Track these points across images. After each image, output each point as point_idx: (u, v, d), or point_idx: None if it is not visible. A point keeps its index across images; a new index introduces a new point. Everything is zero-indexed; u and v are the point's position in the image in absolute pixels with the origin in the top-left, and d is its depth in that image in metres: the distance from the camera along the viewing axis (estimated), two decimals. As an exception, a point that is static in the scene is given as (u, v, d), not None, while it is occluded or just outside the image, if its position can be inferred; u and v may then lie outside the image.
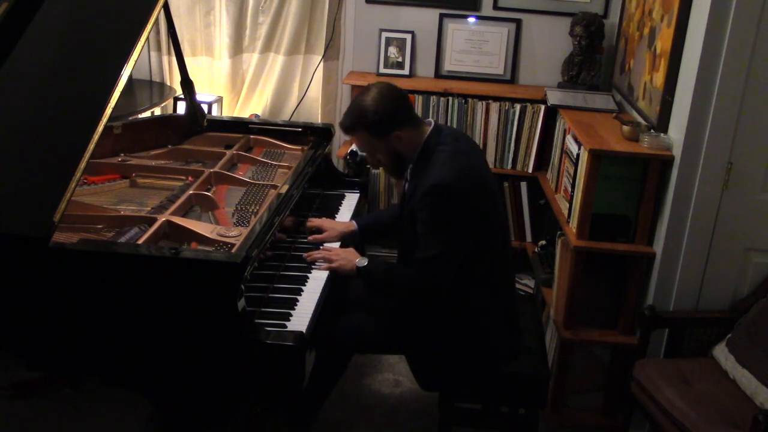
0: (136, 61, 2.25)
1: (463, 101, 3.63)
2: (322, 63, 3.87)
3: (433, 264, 2.23)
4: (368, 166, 3.63)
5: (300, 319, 2.11)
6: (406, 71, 3.85)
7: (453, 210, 2.22)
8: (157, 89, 3.83)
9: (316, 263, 2.41)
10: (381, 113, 2.27)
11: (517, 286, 3.60)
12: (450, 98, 3.63)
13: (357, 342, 2.45)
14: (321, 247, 2.52)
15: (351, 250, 2.49)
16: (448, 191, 2.21)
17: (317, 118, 3.93)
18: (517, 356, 2.40)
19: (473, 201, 2.26)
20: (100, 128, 2.06)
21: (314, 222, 2.65)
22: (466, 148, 2.36)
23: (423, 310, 2.36)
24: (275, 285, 2.27)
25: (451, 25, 3.82)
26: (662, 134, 2.74)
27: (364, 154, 2.43)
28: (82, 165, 1.99)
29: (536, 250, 3.48)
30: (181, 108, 3.56)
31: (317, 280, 2.33)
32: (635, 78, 3.19)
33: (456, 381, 2.40)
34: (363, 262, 2.37)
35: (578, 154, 2.86)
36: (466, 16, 3.81)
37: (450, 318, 2.34)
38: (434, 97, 3.66)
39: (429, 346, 2.37)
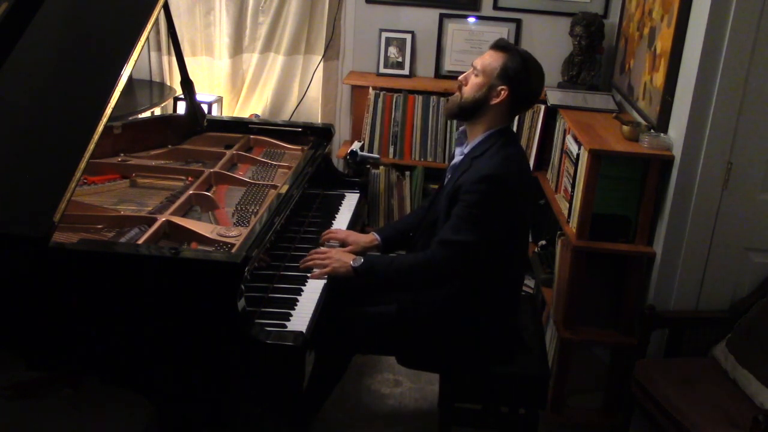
0: (136, 61, 2.25)
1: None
2: (322, 63, 3.87)
3: (461, 249, 2.23)
4: (368, 165, 3.64)
5: (300, 319, 2.11)
6: (406, 71, 3.85)
7: (499, 204, 2.24)
8: (157, 89, 3.83)
9: (311, 271, 2.36)
10: (522, 72, 2.27)
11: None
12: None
13: (357, 342, 2.45)
14: (313, 251, 2.46)
15: (341, 250, 2.47)
16: (502, 185, 2.23)
17: (317, 118, 3.93)
18: (513, 356, 2.41)
19: (519, 201, 2.30)
20: (100, 128, 2.06)
21: (337, 236, 2.60)
22: (524, 155, 2.44)
23: (428, 296, 2.36)
24: (275, 285, 2.27)
25: (451, 25, 3.82)
26: (662, 134, 2.74)
27: (478, 68, 2.32)
28: (82, 165, 1.99)
29: (536, 250, 3.48)
30: (181, 108, 3.56)
31: (317, 280, 2.33)
32: (635, 78, 3.19)
33: (438, 364, 2.41)
34: (359, 261, 2.35)
35: (578, 154, 2.86)
36: (466, 16, 3.81)
37: (453, 304, 2.34)
38: (434, 97, 3.66)
39: (423, 327, 2.37)
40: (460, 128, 2.46)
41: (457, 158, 2.41)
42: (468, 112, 2.33)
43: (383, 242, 2.62)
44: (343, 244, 2.57)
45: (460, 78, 2.37)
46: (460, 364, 2.38)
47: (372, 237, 2.62)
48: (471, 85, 2.31)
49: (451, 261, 2.25)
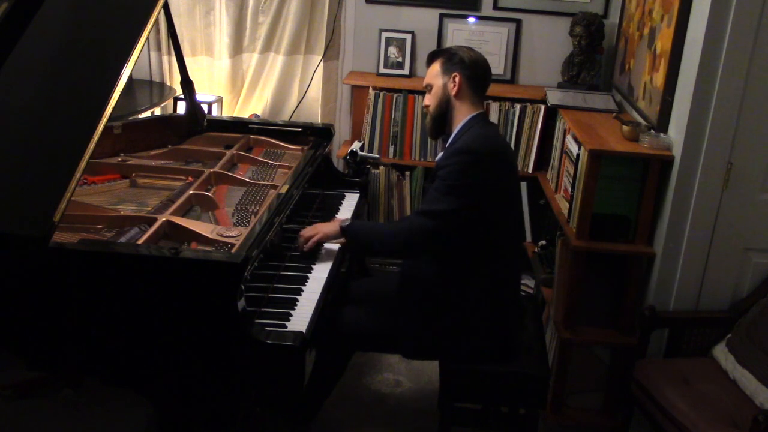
0: (136, 61, 2.25)
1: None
2: (322, 63, 3.87)
3: (435, 217, 2.27)
4: (368, 165, 3.63)
5: (300, 319, 2.11)
6: (406, 71, 3.85)
7: (474, 173, 2.27)
8: (157, 89, 3.83)
9: (311, 270, 2.39)
10: (459, 55, 2.41)
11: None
12: (450, 98, 3.63)
13: (357, 338, 2.45)
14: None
15: (328, 223, 2.55)
16: (474, 155, 2.28)
17: (317, 118, 3.93)
18: (510, 356, 2.41)
19: (495, 176, 2.32)
20: (100, 128, 2.06)
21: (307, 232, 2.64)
22: (502, 138, 2.53)
23: (425, 289, 2.38)
24: (275, 285, 2.27)
25: (451, 25, 3.82)
26: (662, 134, 2.74)
27: (427, 84, 2.47)
28: (82, 165, 1.99)
29: (536, 250, 3.48)
30: (181, 108, 3.56)
31: (317, 280, 2.33)
32: (635, 78, 3.19)
33: (442, 354, 2.42)
34: (347, 222, 2.44)
35: (578, 154, 2.86)
36: (466, 16, 3.81)
37: (451, 299, 2.36)
38: (434, 97, 3.66)
39: (423, 320, 2.39)
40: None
41: (440, 155, 2.47)
42: (442, 118, 2.44)
43: None
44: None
45: (423, 105, 2.51)
46: (455, 352, 2.39)
47: None
48: (431, 99, 2.45)
49: (427, 229, 2.28)
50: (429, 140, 3.69)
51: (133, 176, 2.63)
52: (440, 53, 2.46)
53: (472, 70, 2.41)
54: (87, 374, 2.38)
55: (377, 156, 3.63)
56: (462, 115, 2.41)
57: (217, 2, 3.80)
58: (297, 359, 1.94)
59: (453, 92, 2.40)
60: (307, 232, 2.48)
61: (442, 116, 2.43)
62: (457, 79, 2.38)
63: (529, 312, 2.69)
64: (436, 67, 2.43)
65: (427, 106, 2.47)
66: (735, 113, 2.56)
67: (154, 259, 1.96)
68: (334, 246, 2.56)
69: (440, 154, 2.46)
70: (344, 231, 2.42)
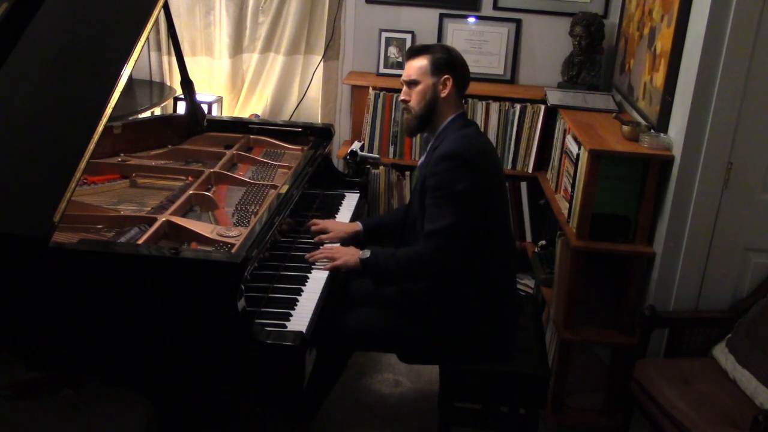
0: (136, 61, 2.25)
1: (463, 101, 3.62)
2: (322, 63, 3.87)
3: (445, 234, 2.25)
4: (369, 165, 3.64)
5: (300, 319, 2.11)
6: (406, 71, 3.85)
7: (463, 179, 2.25)
8: (157, 89, 3.83)
9: (317, 263, 2.41)
10: (450, 56, 2.38)
11: (517, 286, 3.59)
12: (450, 98, 3.63)
13: (357, 338, 2.45)
14: (321, 247, 2.52)
15: (351, 247, 2.51)
16: (459, 159, 2.26)
17: (317, 118, 3.93)
18: (508, 356, 2.41)
19: (483, 176, 2.30)
20: (100, 128, 2.06)
21: (319, 224, 2.66)
22: (483, 136, 2.50)
23: (424, 292, 2.39)
24: (275, 285, 2.27)
25: (451, 25, 3.82)
26: (662, 134, 2.74)
27: (411, 79, 2.40)
28: (82, 165, 1.99)
29: (536, 250, 3.48)
30: (181, 108, 3.56)
31: (317, 280, 2.33)
32: (635, 78, 3.19)
33: (439, 358, 2.43)
34: (366, 254, 2.39)
35: (578, 154, 2.86)
36: (466, 16, 3.81)
37: (447, 299, 2.37)
38: (434, 97, 3.66)
39: (421, 323, 2.39)
40: (423, 137, 2.53)
41: (423, 158, 2.47)
42: (427, 119, 2.41)
43: (365, 231, 2.67)
44: (324, 231, 2.63)
45: (401, 99, 2.45)
46: (453, 355, 2.39)
47: (354, 225, 2.69)
48: (415, 96, 2.39)
49: (441, 249, 2.27)
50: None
51: (133, 176, 2.63)
52: (429, 50, 2.39)
53: (461, 72, 2.41)
54: (87, 374, 2.38)
55: (377, 156, 3.63)
56: (446, 116, 2.40)
57: (217, 2, 3.80)
58: (297, 359, 1.95)
59: (443, 94, 2.37)
60: (327, 252, 2.44)
61: (428, 115, 2.40)
62: (449, 83, 2.36)
63: (529, 312, 2.69)
64: (424, 63, 2.37)
65: (406, 101, 2.41)
66: (735, 113, 2.56)
67: (154, 259, 1.96)
68: (335, 245, 2.56)
69: (422, 158, 2.46)
70: (364, 264, 2.37)
